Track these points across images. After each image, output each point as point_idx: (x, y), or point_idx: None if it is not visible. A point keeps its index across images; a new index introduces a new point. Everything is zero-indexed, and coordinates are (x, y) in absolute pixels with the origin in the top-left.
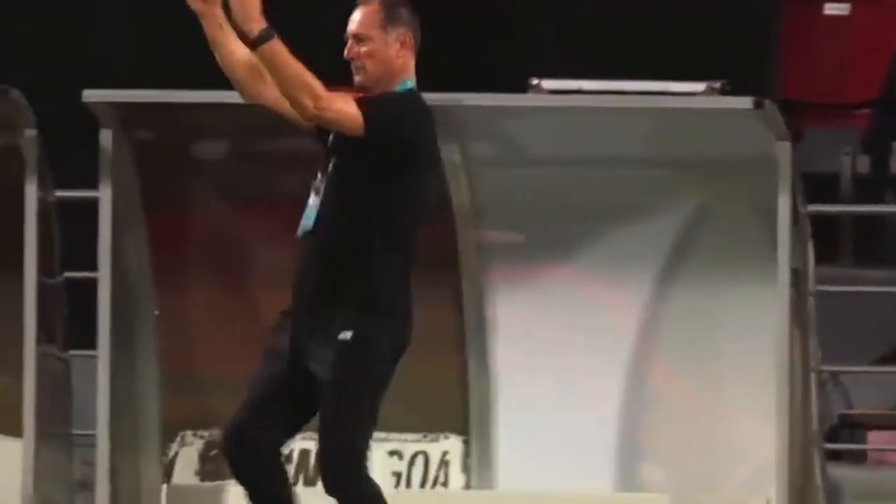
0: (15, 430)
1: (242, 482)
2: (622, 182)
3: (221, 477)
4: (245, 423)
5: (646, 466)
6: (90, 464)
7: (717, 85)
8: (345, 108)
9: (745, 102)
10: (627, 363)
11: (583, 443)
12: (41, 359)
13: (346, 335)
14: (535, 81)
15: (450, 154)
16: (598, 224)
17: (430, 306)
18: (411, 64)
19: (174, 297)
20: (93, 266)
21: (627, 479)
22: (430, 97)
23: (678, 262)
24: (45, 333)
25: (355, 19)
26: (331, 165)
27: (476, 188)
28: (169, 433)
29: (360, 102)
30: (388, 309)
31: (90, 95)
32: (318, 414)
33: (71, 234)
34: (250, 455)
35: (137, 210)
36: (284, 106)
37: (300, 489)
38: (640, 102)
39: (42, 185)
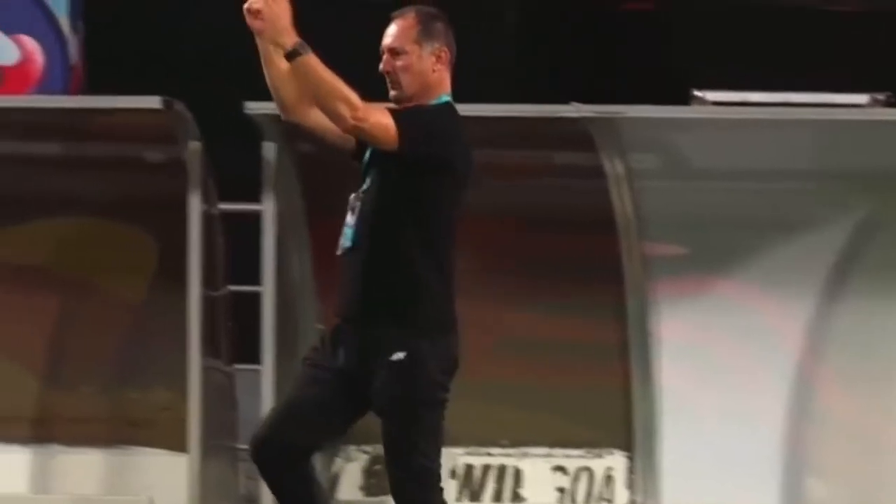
0: (180, 445)
1: (274, 492)
2: (786, 194)
3: (385, 492)
4: (274, 433)
5: (811, 482)
6: (255, 478)
7: (882, 97)
8: (381, 119)
9: None
10: (793, 377)
11: (748, 458)
12: (205, 372)
13: (399, 356)
14: (698, 93)
15: (613, 166)
16: (762, 237)
17: (593, 319)
18: (447, 78)
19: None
20: (256, 279)
21: (793, 494)
22: (594, 109)
23: (843, 274)
24: (210, 347)
25: (390, 33)
26: (367, 182)
27: (639, 201)
28: (333, 448)
29: (393, 115)
30: (436, 325)
31: (253, 108)
32: (382, 440)
33: (235, 246)
34: (279, 462)
35: (301, 222)
36: (326, 127)
37: None
38: (803, 114)
39: (205, 198)
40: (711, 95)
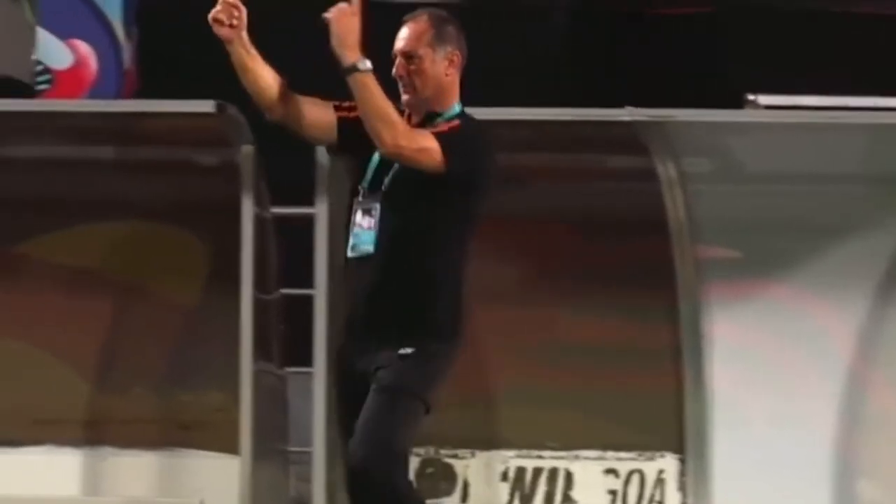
0: (232, 447)
1: None
2: (838, 198)
3: (437, 495)
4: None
5: (863, 486)
6: (306, 481)
7: None
8: (424, 144)
9: None
10: (845, 381)
11: (800, 461)
12: (257, 375)
13: (407, 350)
14: (750, 97)
15: (665, 170)
16: (814, 240)
17: (645, 322)
18: (457, 83)
19: None
20: (309, 282)
21: (844, 498)
22: (647, 112)
23: (895, 277)
24: (262, 350)
25: (403, 37)
26: (385, 186)
27: (692, 204)
28: None
29: (437, 138)
30: (448, 330)
31: None
32: (365, 415)
33: (287, 250)
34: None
35: None
36: (309, 124)
37: None
38: (856, 118)
39: (258, 201)
40: (764, 99)
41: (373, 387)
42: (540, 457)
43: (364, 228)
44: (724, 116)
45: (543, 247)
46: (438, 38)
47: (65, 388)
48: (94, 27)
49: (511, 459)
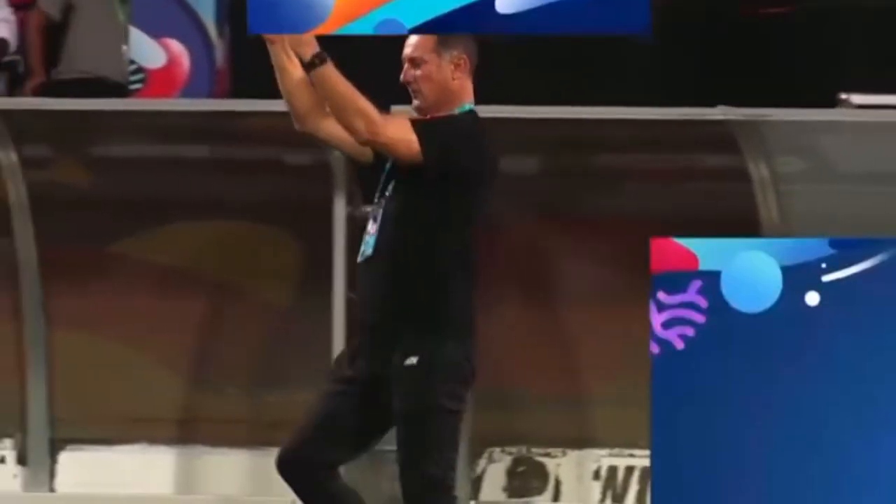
0: None
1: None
2: None
3: (529, 493)
4: (298, 448)
5: None
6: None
7: None
8: (398, 133)
9: None
10: None
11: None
12: None
13: (412, 360)
14: (843, 96)
15: (758, 169)
16: None
17: None
18: (468, 86)
19: (481, 313)
20: None
21: None
22: (740, 112)
23: None
24: None
25: (410, 43)
26: (388, 191)
27: (784, 204)
28: (477, 449)
29: (414, 127)
30: (451, 331)
31: (397, 111)
32: (396, 445)
33: None
34: (305, 477)
35: None
36: (341, 139)
37: None
38: None
39: (350, 201)
40: (857, 98)
41: (396, 421)
42: (632, 455)
43: (371, 234)
44: (816, 116)
45: (635, 246)
46: (444, 43)
47: (159, 387)
48: (187, 26)
49: (603, 458)
